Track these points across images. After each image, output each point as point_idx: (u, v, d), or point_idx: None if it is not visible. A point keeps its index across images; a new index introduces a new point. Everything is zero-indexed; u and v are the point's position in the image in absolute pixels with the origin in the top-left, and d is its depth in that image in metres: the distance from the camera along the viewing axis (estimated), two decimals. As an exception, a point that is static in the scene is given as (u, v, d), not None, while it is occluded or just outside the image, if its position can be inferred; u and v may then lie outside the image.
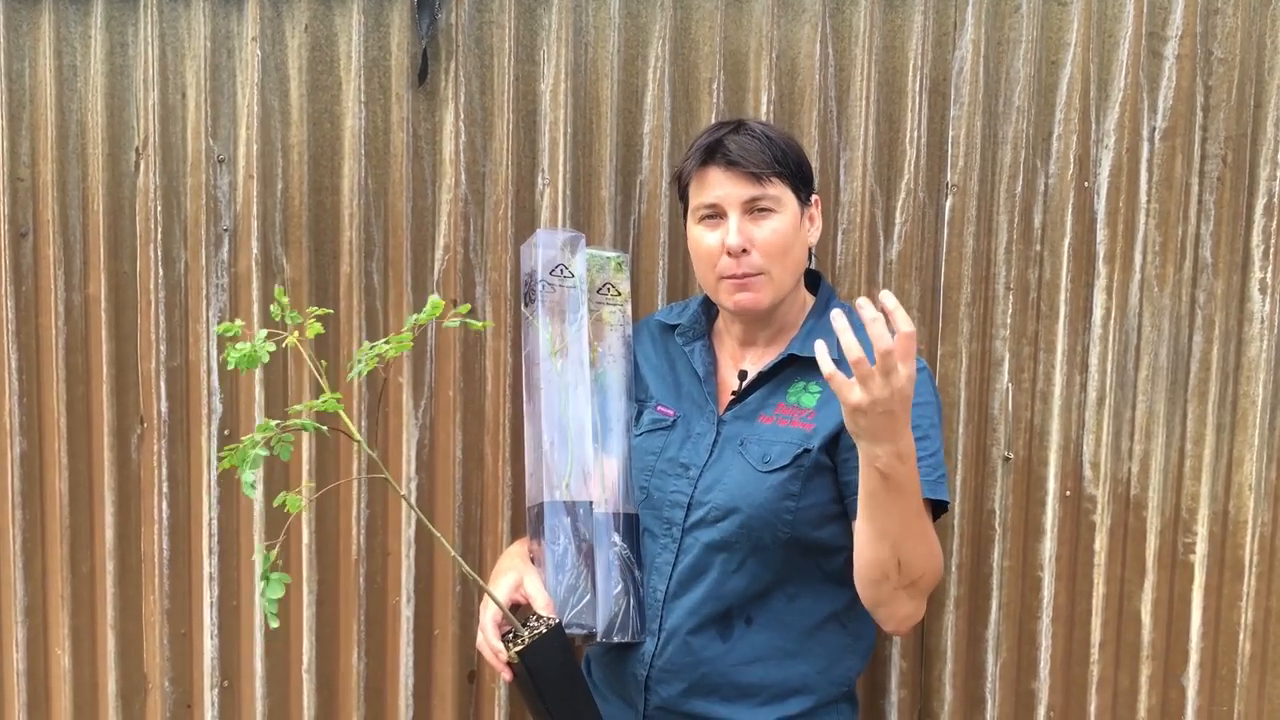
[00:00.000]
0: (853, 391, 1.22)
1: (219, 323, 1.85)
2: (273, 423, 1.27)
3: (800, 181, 1.50)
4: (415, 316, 1.33)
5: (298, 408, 1.31)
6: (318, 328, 1.34)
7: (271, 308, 1.35)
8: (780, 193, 1.47)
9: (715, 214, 1.49)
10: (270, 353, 1.27)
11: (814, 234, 1.55)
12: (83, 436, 1.90)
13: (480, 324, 1.41)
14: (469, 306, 1.42)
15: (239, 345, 1.27)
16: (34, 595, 1.94)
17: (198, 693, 1.94)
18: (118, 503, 1.90)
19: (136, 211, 1.86)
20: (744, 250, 1.46)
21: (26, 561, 1.93)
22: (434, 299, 1.34)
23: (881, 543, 1.35)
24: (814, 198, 1.55)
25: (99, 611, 1.94)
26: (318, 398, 1.28)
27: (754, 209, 1.47)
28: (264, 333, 1.28)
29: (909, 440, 1.28)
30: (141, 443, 1.90)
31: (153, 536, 1.90)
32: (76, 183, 1.87)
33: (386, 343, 1.31)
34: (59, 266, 1.87)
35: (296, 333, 1.32)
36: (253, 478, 1.21)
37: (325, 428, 1.32)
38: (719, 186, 1.48)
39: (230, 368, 1.26)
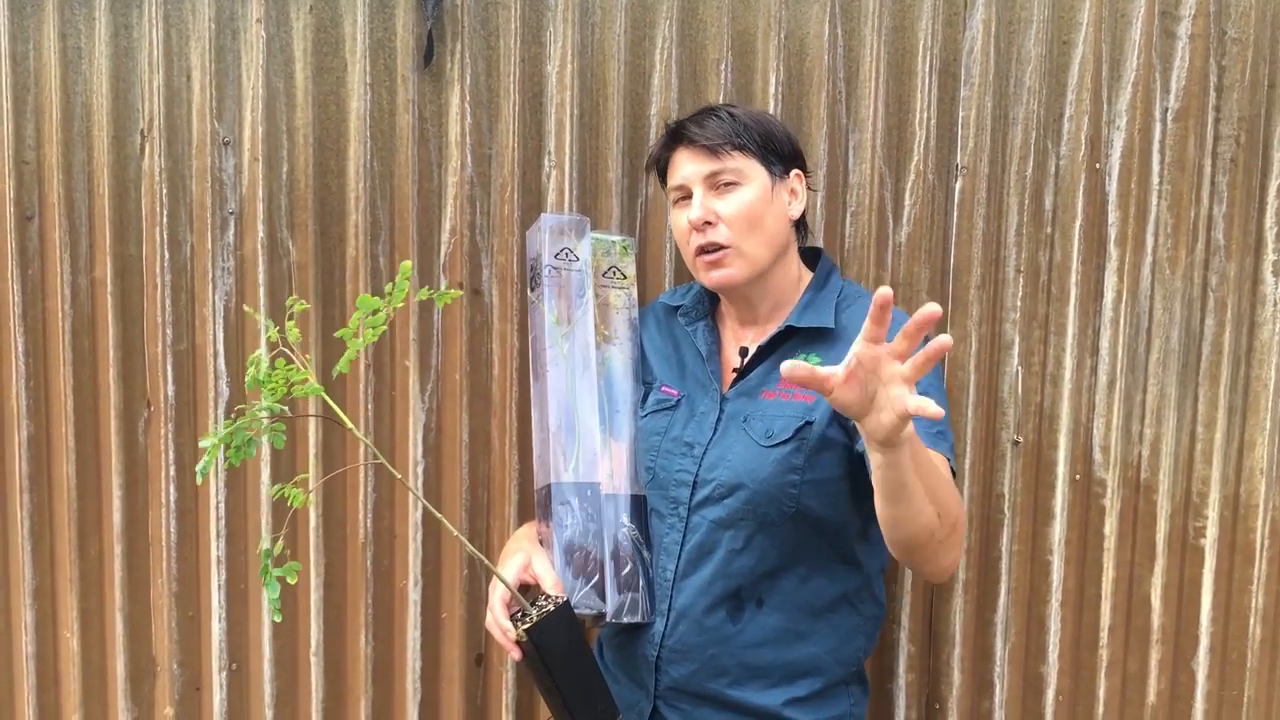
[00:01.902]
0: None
1: (225, 305, 1.85)
2: (261, 412, 1.26)
3: (771, 155, 1.51)
4: (389, 294, 1.27)
5: (271, 401, 1.28)
6: (295, 334, 1.31)
7: (267, 328, 1.33)
8: (742, 165, 1.49)
9: (685, 195, 1.53)
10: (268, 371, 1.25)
11: (796, 208, 1.55)
12: (90, 420, 1.90)
13: (450, 295, 1.40)
14: (429, 290, 1.39)
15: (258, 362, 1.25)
16: (42, 578, 1.95)
17: (206, 675, 1.94)
18: (125, 486, 1.90)
19: (142, 194, 1.86)
20: (707, 223, 1.49)
21: (35, 545, 1.93)
22: (403, 266, 1.27)
23: (922, 506, 1.25)
24: (794, 172, 1.54)
25: (107, 594, 1.94)
26: (322, 382, 1.28)
27: (718, 184, 1.49)
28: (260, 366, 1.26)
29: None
30: (148, 426, 1.90)
31: (160, 520, 1.90)
32: (82, 166, 1.86)
33: (359, 329, 1.28)
34: (65, 250, 1.87)
35: (277, 332, 1.30)
36: (204, 464, 1.22)
37: (281, 429, 1.28)
38: (684, 166, 1.52)
39: (248, 388, 1.25)
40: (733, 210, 1.48)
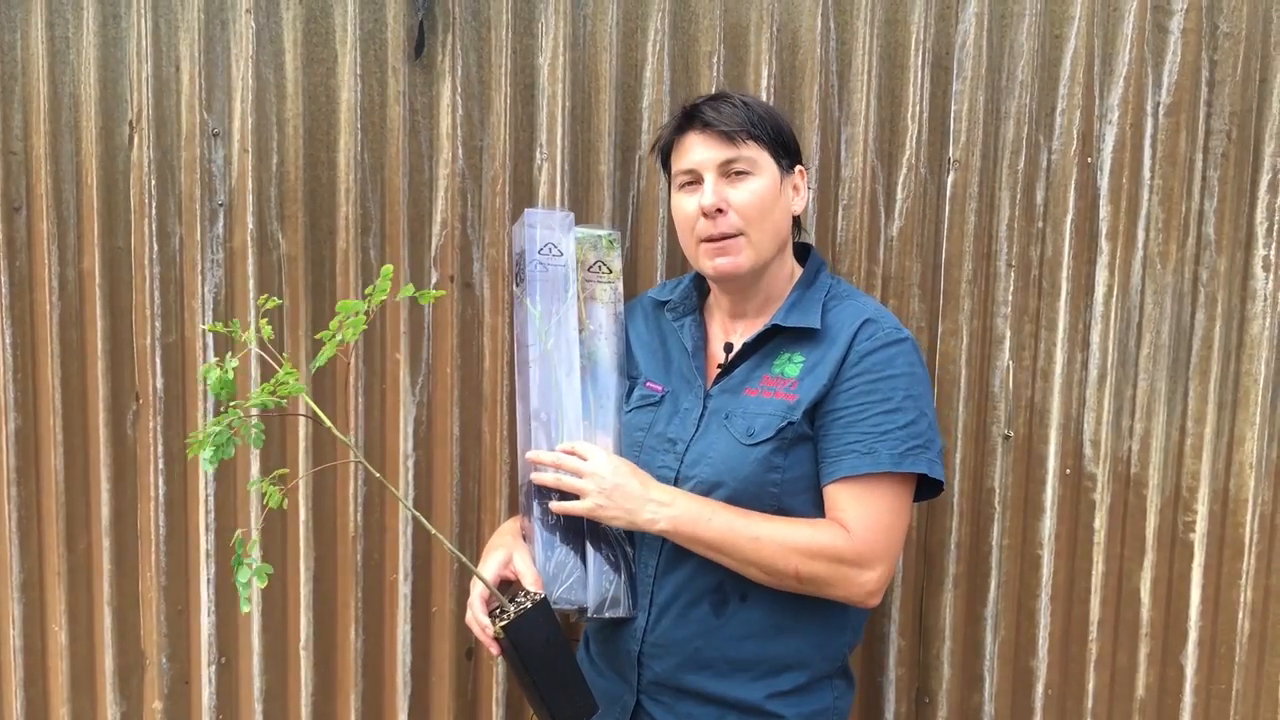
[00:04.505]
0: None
1: (214, 298, 1.84)
2: (243, 406, 1.26)
3: (780, 148, 1.50)
4: (368, 291, 1.29)
5: (255, 396, 1.27)
6: (269, 331, 1.32)
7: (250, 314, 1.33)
8: (756, 155, 1.48)
9: (694, 180, 1.51)
10: (234, 368, 1.27)
11: (798, 203, 1.55)
12: (78, 413, 1.89)
13: (430, 295, 1.38)
14: (412, 288, 1.37)
15: (211, 370, 1.26)
16: (30, 571, 1.94)
17: (195, 669, 1.93)
18: (114, 479, 1.90)
19: (130, 186, 1.85)
20: (719, 210, 1.47)
21: (23, 538, 1.92)
22: (385, 269, 1.31)
23: (739, 566, 1.45)
24: (798, 168, 1.54)
25: (96, 588, 1.93)
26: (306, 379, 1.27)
27: (731, 171, 1.48)
28: (229, 357, 1.27)
29: (644, 509, 1.44)
30: (137, 419, 1.89)
31: (149, 513, 1.90)
32: (70, 157, 1.85)
33: (339, 328, 1.28)
34: (53, 241, 1.85)
35: (254, 337, 1.30)
36: (210, 453, 1.23)
37: (261, 429, 1.29)
38: (696, 151, 1.49)
39: (214, 395, 1.26)
40: (745, 199, 1.47)
